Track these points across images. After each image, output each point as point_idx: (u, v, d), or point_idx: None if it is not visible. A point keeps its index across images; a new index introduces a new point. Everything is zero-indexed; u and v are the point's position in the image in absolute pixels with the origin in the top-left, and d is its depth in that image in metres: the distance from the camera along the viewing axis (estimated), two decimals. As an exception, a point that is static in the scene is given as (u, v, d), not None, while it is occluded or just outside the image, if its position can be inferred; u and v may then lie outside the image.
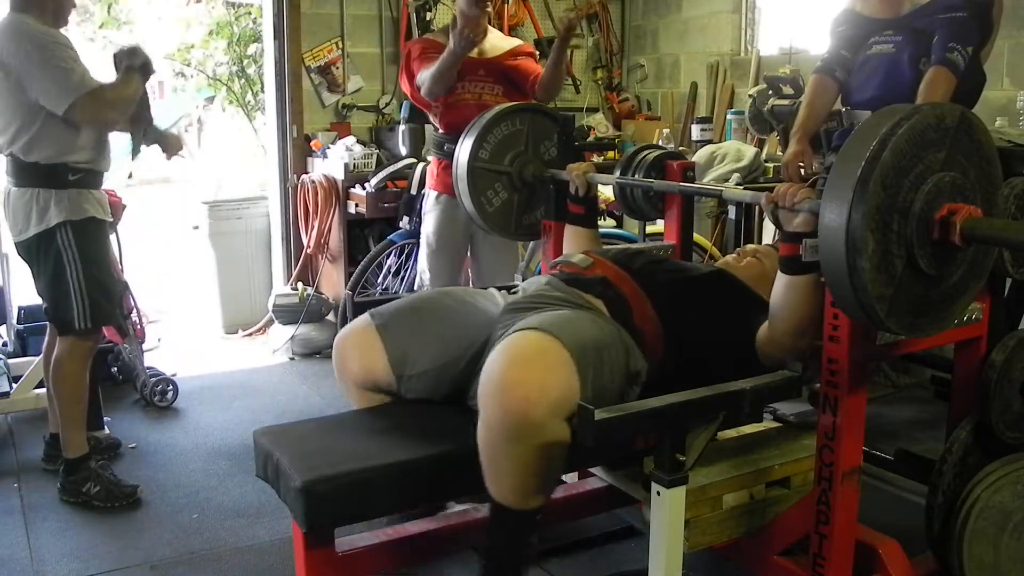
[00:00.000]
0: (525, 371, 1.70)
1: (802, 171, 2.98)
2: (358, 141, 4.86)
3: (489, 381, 1.73)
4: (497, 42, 3.59)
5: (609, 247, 2.61)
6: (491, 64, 3.49)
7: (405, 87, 3.66)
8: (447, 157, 3.33)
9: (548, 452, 1.74)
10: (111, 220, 3.08)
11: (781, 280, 1.93)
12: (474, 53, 3.44)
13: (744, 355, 2.02)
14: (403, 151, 4.77)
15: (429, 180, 3.68)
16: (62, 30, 2.88)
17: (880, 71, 2.87)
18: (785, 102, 3.76)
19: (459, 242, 3.59)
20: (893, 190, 1.55)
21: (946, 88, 2.66)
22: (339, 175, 4.73)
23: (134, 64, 2.87)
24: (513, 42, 3.70)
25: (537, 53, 3.82)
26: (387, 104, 5.15)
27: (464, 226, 3.49)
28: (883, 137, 1.54)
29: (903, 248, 1.59)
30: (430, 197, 3.61)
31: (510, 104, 2.95)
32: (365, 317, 2.16)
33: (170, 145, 3.20)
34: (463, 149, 2.79)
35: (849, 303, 1.62)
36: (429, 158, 3.82)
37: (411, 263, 4.34)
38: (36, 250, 2.87)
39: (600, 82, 5.75)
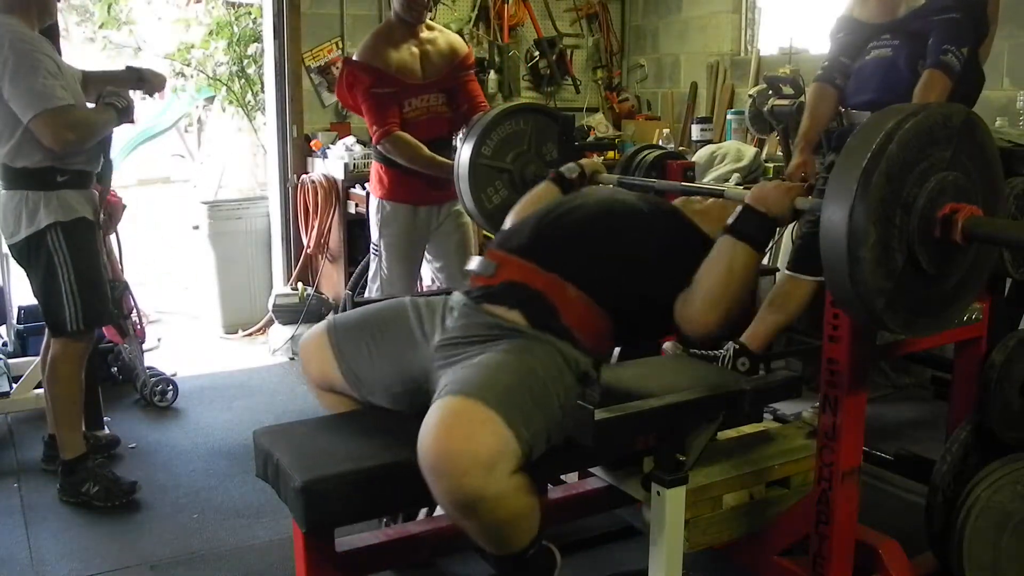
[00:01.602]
0: (449, 442, 1.61)
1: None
2: (358, 141, 4.85)
3: (422, 460, 1.65)
4: (438, 52, 3.51)
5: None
6: (435, 84, 3.47)
7: (345, 105, 3.69)
8: (396, 166, 3.40)
9: (504, 507, 1.66)
10: (102, 218, 3.07)
11: (717, 242, 1.90)
12: (418, 73, 3.43)
13: None
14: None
15: (378, 189, 3.54)
16: (62, 32, 2.86)
17: (877, 74, 2.87)
18: (785, 102, 3.76)
19: (417, 248, 3.57)
20: (897, 184, 1.55)
21: (941, 90, 2.66)
22: (339, 175, 4.73)
23: (117, 104, 2.89)
24: (452, 43, 3.57)
25: (475, 58, 3.76)
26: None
27: (421, 231, 3.51)
28: (889, 131, 1.54)
29: (904, 243, 1.59)
30: (382, 208, 3.51)
31: (514, 104, 2.96)
32: (323, 326, 2.07)
33: (153, 84, 3.19)
34: (465, 148, 2.79)
35: (848, 296, 1.62)
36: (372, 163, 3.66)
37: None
38: (27, 252, 2.87)
39: (600, 82, 5.75)
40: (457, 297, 1.99)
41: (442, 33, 3.60)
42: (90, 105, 2.93)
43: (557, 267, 1.89)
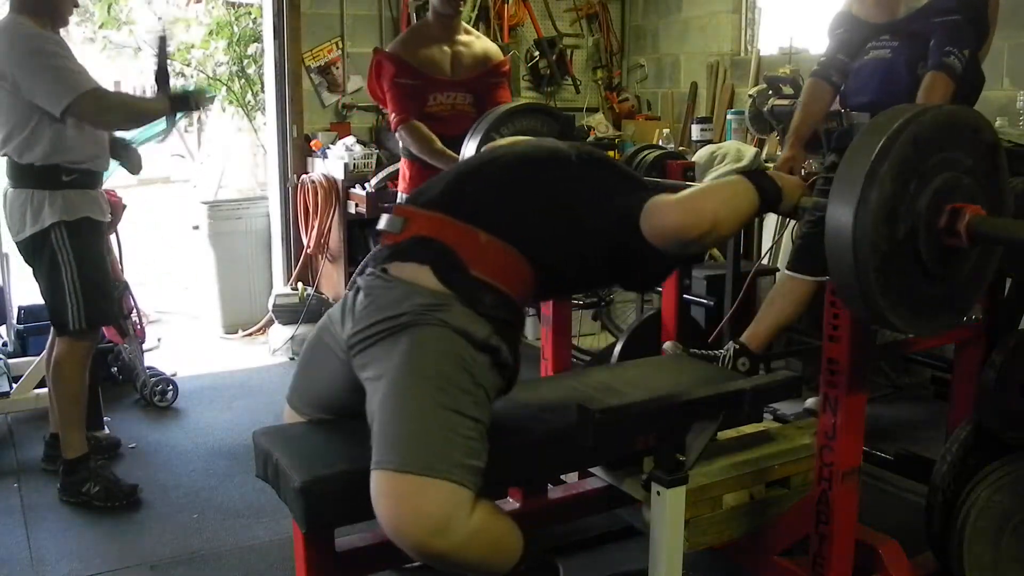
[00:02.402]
0: (398, 521, 1.60)
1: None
2: (358, 141, 4.86)
3: (384, 529, 1.64)
4: (471, 54, 3.60)
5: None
6: (464, 83, 3.55)
7: (375, 97, 3.74)
8: (419, 161, 3.46)
9: (477, 546, 1.65)
10: (109, 220, 3.08)
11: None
12: (446, 70, 3.52)
13: (624, 239, 1.84)
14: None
15: (401, 184, 3.67)
16: (61, 32, 2.88)
17: (877, 75, 2.86)
18: (785, 102, 3.77)
19: None
20: (902, 184, 1.56)
21: (944, 92, 2.65)
22: (339, 175, 4.73)
23: (186, 106, 2.98)
24: (487, 49, 3.68)
25: (511, 68, 3.85)
26: (387, 104, 5.15)
27: None
28: (895, 131, 1.55)
29: (909, 243, 1.60)
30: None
31: (517, 104, 2.98)
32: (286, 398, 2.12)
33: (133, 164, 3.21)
34: (469, 146, 2.79)
35: (853, 295, 1.62)
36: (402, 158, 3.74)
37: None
38: (32, 251, 2.88)
39: (600, 82, 5.75)
40: (366, 275, 1.89)
41: (479, 39, 3.72)
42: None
43: (469, 217, 1.81)
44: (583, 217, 1.85)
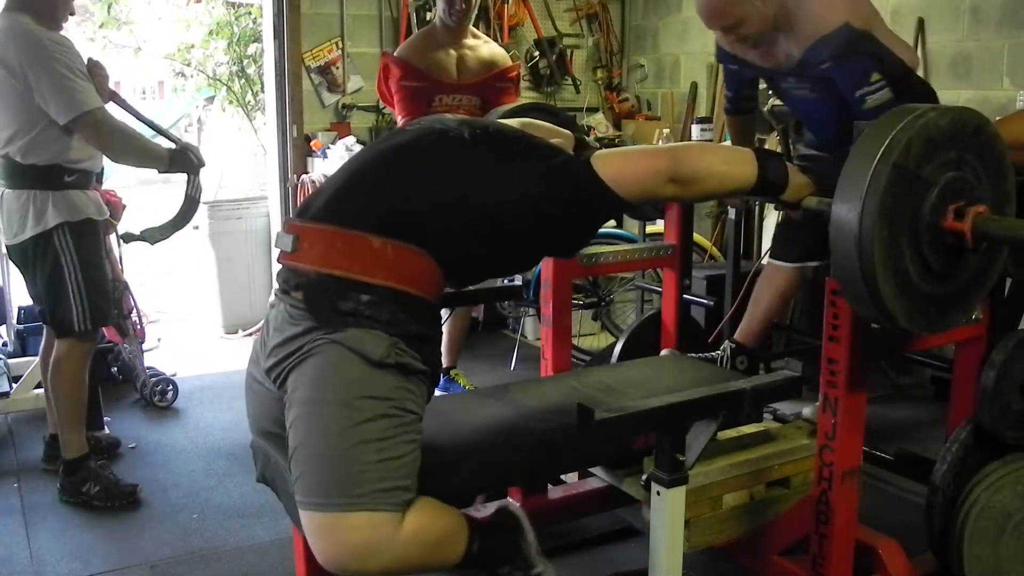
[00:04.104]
0: (330, 555, 1.63)
1: None
2: (358, 141, 4.85)
3: (320, 563, 1.67)
4: (476, 58, 3.65)
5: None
6: (471, 87, 3.61)
7: (383, 99, 3.81)
8: None
9: (416, 551, 1.66)
10: (107, 219, 3.08)
11: None
12: (452, 74, 3.59)
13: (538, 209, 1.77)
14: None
15: None
16: (63, 32, 2.88)
17: (812, 114, 2.71)
18: (785, 102, 3.75)
19: None
20: (907, 183, 1.56)
21: None
22: (339, 175, 4.72)
23: (184, 163, 3.01)
24: (495, 54, 3.73)
25: (519, 74, 3.88)
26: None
27: None
28: (899, 132, 1.55)
29: (913, 243, 1.60)
30: None
31: (520, 104, 2.99)
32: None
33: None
34: None
35: (857, 294, 1.62)
36: None
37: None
38: (32, 252, 2.86)
39: (600, 82, 5.75)
40: (272, 306, 1.84)
41: (487, 44, 3.79)
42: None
43: (357, 223, 1.72)
44: (484, 195, 1.76)
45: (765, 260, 2.99)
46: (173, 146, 3.06)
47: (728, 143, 4.36)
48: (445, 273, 1.78)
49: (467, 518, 1.80)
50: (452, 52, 3.63)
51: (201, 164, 3.10)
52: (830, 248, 1.67)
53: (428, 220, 1.75)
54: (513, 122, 2.08)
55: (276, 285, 1.84)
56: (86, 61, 2.90)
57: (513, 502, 1.93)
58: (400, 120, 3.60)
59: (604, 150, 1.90)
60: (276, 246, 1.83)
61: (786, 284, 2.89)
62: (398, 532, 1.63)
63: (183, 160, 3.04)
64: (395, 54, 3.69)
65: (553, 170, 1.79)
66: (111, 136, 2.84)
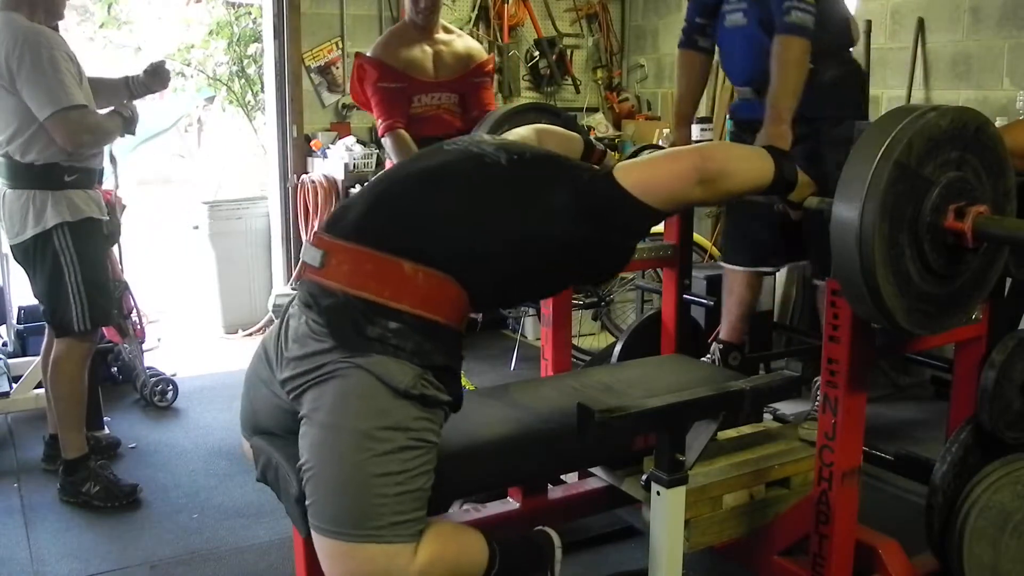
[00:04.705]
0: None
1: None
2: (358, 141, 4.86)
3: None
4: (452, 53, 3.56)
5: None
6: (449, 85, 3.52)
7: (358, 102, 3.65)
8: None
9: (437, 572, 1.67)
10: (107, 219, 3.07)
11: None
12: (429, 71, 3.48)
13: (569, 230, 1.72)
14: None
15: None
16: (61, 28, 2.88)
17: (741, 47, 2.73)
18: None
19: None
20: (907, 183, 1.56)
21: (799, 54, 2.47)
22: (339, 175, 4.73)
23: (123, 113, 2.97)
24: (470, 48, 3.64)
25: (495, 66, 3.82)
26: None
27: None
28: (900, 132, 1.55)
29: (914, 243, 1.60)
30: None
31: (521, 104, 2.98)
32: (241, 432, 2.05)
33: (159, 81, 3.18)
34: None
35: (858, 294, 1.62)
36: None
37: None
38: (33, 252, 2.86)
39: (600, 82, 5.75)
40: (295, 317, 1.82)
41: (461, 37, 3.68)
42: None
43: (389, 246, 1.67)
44: (521, 223, 1.72)
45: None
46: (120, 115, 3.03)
47: (727, 141, 4.37)
48: (475, 300, 1.72)
49: (489, 537, 1.78)
50: (427, 48, 3.51)
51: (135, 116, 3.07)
52: (831, 247, 1.67)
53: (463, 248, 1.70)
54: (528, 129, 2.08)
55: (297, 295, 1.81)
56: (147, 65, 3.07)
57: (552, 531, 1.91)
58: (380, 125, 3.43)
59: (625, 161, 1.85)
60: (303, 258, 1.80)
61: (744, 287, 2.93)
62: (412, 562, 1.63)
63: (132, 121, 3.04)
64: (369, 54, 3.51)
65: (580, 193, 1.74)
66: (84, 134, 2.78)
